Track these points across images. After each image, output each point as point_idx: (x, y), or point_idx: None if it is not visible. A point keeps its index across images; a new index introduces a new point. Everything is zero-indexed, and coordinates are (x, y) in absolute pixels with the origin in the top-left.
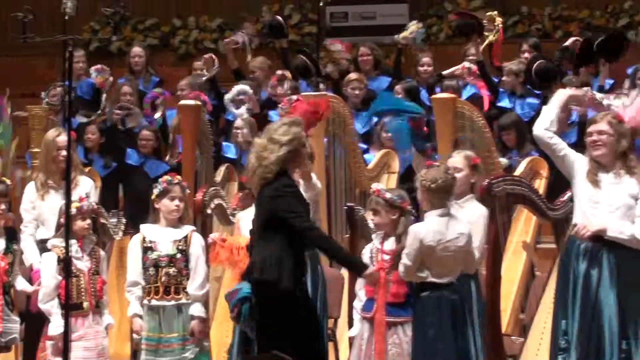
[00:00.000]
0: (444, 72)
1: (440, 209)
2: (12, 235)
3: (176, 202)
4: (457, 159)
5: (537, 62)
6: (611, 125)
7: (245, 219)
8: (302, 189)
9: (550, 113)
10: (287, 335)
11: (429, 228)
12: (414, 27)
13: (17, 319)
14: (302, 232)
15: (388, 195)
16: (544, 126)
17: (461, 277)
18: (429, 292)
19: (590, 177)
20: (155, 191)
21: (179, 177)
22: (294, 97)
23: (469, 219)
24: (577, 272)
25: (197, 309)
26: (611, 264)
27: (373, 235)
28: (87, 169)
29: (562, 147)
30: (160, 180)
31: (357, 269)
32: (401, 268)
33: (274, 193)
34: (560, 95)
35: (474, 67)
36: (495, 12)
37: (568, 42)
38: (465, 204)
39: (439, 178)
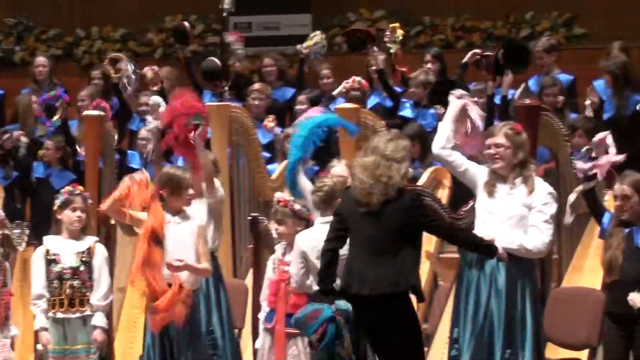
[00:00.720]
0: (334, 93)
1: (323, 217)
2: None
3: (78, 213)
4: (340, 168)
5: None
6: (508, 137)
7: None
8: (204, 195)
9: (444, 130)
10: (419, 341)
11: (307, 235)
12: (317, 37)
13: None
14: (451, 232)
15: (297, 206)
16: (440, 145)
17: None
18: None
19: (487, 188)
20: (57, 202)
21: (81, 187)
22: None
23: None
24: (470, 280)
25: (99, 319)
26: (501, 273)
27: (276, 246)
28: None
29: (460, 162)
30: (62, 191)
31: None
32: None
33: (412, 204)
34: (451, 109)
35: (364, 82)
36: (397, 24)
37: (466, 58)
38: None
39: (322, 186)
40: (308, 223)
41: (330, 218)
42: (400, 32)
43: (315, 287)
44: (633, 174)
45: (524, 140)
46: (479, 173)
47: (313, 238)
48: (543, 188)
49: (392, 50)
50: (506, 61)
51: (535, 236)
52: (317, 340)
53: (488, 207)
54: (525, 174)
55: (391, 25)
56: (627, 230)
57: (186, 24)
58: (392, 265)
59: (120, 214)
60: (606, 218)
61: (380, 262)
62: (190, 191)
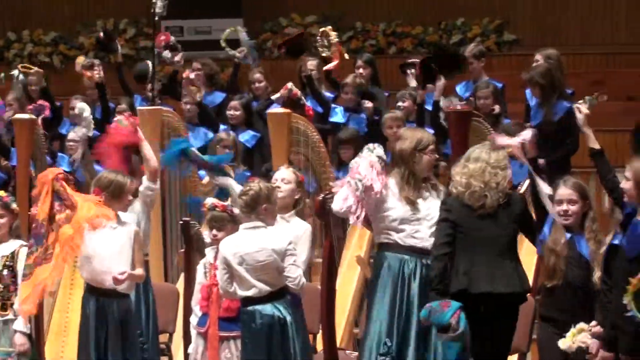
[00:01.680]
0: (273, 97)
1: (246, 223)
2: None
3: None
4: (286, 172)
5: None
6: None
7: None
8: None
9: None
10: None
11: (230, 242)
12: (228, 32)
13: None
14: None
15: (236, 210)
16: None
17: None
18: (244, 307)
19: (406, 199)
20: None
21: (2, 192)
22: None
23: (296, 233)
24: (396, 282)
25: (20, 324)
26: (422, 273)
27: (206, 250)
28: None
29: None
30: None
31: None
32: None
33: (524, 207)
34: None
35: (295, 90)
36: (330, 27)
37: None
38: (290, 219)
39: (248, 190)
40: None
41: (255, 224)
42: (333, 34)
43: (241, 293)
44: (574, 179)
45: None
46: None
47: (234, 245)
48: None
49: (324, 54)
50: (439, 68)
51: None
52: (456, 323)
53: (413, 215)
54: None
55: (322, 29)
56: (569, 235)
57: (101, 34)
58: (512, 265)
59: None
60: (548, 220)
61: (501, 262)
62: (130, 197)
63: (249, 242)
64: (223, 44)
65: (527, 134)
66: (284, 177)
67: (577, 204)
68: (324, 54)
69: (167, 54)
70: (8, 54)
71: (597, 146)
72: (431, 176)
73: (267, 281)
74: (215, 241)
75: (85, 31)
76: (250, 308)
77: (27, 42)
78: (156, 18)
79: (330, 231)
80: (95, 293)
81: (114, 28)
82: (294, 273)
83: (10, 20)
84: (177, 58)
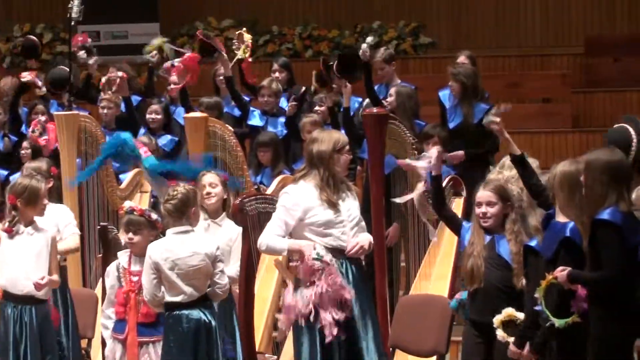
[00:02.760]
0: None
1: (175, 227)
2: None
3: None
4: (212, 177)
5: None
6: None
7: None
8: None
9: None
10: None
11: (159, 246)
12: (158, 41)
13: None
14: None
15: (154, 215)
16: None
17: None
18: (169, 311)
19: (328, 202)
20: None
21: None
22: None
23: (230, 236)
24: None
25: None
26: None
27: (119, 253)
28: None
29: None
30: None
31: None
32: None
33: None
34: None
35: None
36: (244, 29)
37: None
38: (222, 222)
39: (176, 194)
40: (159, 232)
41: (185, 228)
42: (248, 37)
43: (168, 298)
44: (495, 181)
45: None
46: (300, 202)
47: (165, 249)
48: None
49: (239, 56)
50: (341, 72)
51: None
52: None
53: (337, 218)
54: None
55: (237, 32)
56: (488, 237)
57: (33, 37)
58: None
59: None
60: (464, 230)
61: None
62: (45, 201)
63: (181, 247)
64: (146, 53)
65: (432, 153)
66: (211, 182)
67: (496, 205)
68: (238, 56)
69: (82, 54)
70: None
71: (518, 152)
72: (345, 177)
73: (196, 286)
74: (131, 245)
75: (1, 36)
76: (176, 312)
77: None
78: (72, 23)
79: (248, 235)
80: (12, 299)
81: (30, 33)
82: (223, 280)
83: None
84: (91, 61)
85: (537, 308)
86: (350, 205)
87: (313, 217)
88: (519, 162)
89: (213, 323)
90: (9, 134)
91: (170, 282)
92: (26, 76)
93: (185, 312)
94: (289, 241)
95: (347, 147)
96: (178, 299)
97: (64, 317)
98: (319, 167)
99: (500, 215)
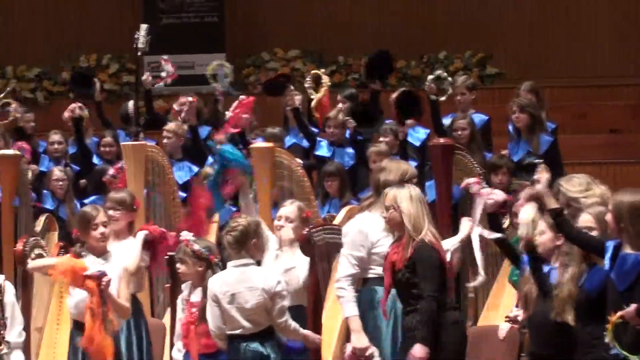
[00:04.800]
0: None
1: (236, 259)
2: None
3: None
4: (290, 209)
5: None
6: None
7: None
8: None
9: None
10: None
11: (218, 279)
12: (215, 65)
13: None
14: None
15: (196, 246)
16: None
17: None
18: (230, 341)
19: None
20: None
21: None
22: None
23: (285, 266)
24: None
25: (19, 357)
26: None
27: (183, 286)
28: None
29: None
30: None
31: None
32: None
33: None
34: None
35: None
36: (323, 70)
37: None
38: (294, 249)
39: (236, 226)
40: (210, 263)
41: (245, 261)
42: (326, 79)
43: (228, 331)
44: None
45: None
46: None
47: (224, 282)
48: None
49: (313, 97)
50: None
51: None
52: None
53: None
54: None
55: (313, 72)
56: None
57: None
58: None
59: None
60: (524, 260)
61: None
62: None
63: (239, 281)
64: (209, 78)
65: (499, 195)
66: (287, 216)
67: (544, 234)
68: (312, 97)
69: (148, 77)
70: None
71: (556, 206)
72: None
73: (255, 321)
74: (183, 276)
75: (68, 67)
76: (235, 343)
77: (10, 77)
78: (139, 53)
79: (315, 266)
80: (82, 329)
81: (96, 64)
82: (281, 318)
83: None
84: (161, 83)
85: (613, 352)
86: None
87: (379, 247)
88: (559, 217)
89: (272, 356)
90: (70, 164)
91: (229, 316)
92: (73, 110)
93: (244, 343)
94: (355, 319)
95: (415, 180)
96: (237, 332)
97: (138, 348)
98: None
99: (549, 245)
